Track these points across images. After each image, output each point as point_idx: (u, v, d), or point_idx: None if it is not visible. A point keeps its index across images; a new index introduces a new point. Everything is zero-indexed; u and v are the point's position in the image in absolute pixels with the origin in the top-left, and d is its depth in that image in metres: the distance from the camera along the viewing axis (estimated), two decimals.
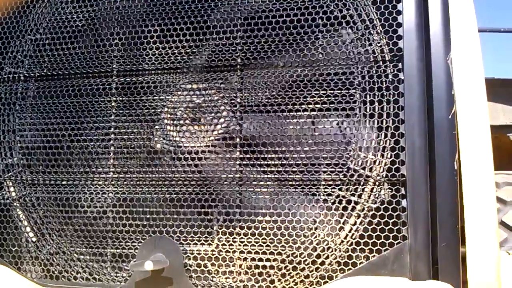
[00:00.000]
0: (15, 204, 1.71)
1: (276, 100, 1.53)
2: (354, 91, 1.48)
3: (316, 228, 1.48)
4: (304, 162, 1.49)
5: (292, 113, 1.51)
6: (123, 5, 1.66)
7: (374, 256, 1.42)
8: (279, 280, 1.50)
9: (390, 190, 1.44)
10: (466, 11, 1.46)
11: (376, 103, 1.46)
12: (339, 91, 1.48)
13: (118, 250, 1.61)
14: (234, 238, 1.53)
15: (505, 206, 2.78)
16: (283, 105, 1.52)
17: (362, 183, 1.47)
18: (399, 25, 1.45)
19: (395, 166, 1.43)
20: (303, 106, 1.51)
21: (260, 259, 1.51)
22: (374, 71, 1.47)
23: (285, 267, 1.49)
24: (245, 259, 1.53)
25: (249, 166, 1.54)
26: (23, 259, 1.70)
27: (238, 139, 1.55)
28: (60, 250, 1.66)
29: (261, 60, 1.55)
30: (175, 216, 1.56)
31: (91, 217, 1.63)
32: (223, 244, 1.54)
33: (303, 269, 1.48)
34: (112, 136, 1.64)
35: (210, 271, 1.54)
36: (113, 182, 1.64)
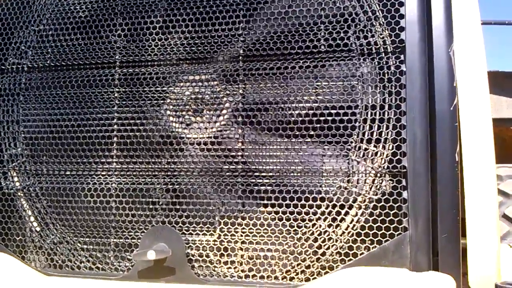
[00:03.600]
0: (19, 194, 1.73)
1: (279, 91, 1.53)
2: (356, 82, 1.48)
3: (317, 219, 1.48)
4: (306, 153, 1.50)
5: (294, 104, 1.52)
6: None
7: (375, 247, 1.43)
8: (280, 270, 1.51)
9: (391, 182, 1.45)
10: (469, 3, 1.45)
11: (378, 95, 1.46)
12: (341, 83, 1.49)
13: (121, 240, 1.62)
14: (236, 228, 1.54)
15: (508, 199, 2.77)
16: (285, 96, 1.52)
17: (363, 175, 1.47)
18: (402, 16, 1.45)
19: (397, 158, 1.43)
20: (305, 98, 1.51)
21: (262, 250, 1.52)
22: (376, 63, 1.47)
23: (287, 257, 1.50)
24: (247, 249, 1.54)
25: (251, 157, 1.55)
26: (27, 249, 1.71)
27: (240, 130, 1.56)
28: (63, 240, 1.68)
29: (263, 51, 1.55)
30: (178, 206, 1.57)
31: (94, 207, 1.64)
32: (225, 234, 1.55)
33: (304, 260, 1.49)
34: (115, 126, 1.65)
35: (212, 261, 1.56)
36: (116, 173, 1.65)
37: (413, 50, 1.44)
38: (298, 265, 1.50)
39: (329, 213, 1.48)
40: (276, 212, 1.50)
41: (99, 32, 1.68)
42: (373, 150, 1.46)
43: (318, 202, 1.48)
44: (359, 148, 1.47)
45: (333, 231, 1.48)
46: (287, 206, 1.49)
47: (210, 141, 1.58)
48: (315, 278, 1.48)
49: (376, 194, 1.45)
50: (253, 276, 1.52)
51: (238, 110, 1.56)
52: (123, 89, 1.66)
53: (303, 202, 1.48)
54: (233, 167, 1.55)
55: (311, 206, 1.48)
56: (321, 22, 1.51)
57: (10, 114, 1.75)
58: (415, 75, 1.44)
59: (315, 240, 1.49)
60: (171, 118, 1.61)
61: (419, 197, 1.40)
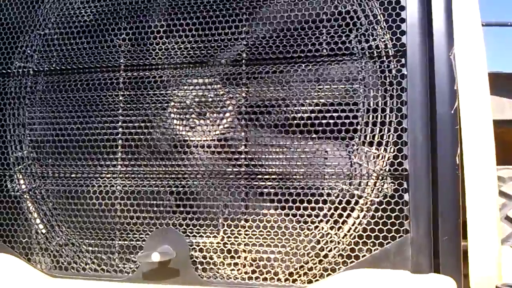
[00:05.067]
0: (25, 196, 1.75)
1: (281, 95, 1.54)
2: (357, 86, 1.49)
3: (320, 222, 1.50)
4: (308, 156, 1.51)
5: (296, 108, 1.53)
6: (130, 0, 1.68)
7: (376, 249, 1.44)
8: (283, 272, 1.52)
9: (392, 184, 1.46)
10: (470, 6, 1.46)
11: (379, 98, 1.47)
12: (343, 86, 1.50)
13: (126, 242, 1.64)
14: (239, 230, 1.55)
15: (511, 201, 2.78)
16: (288, 100, 1.53)
17: (365, 177, 1.48)
18: (403, 20, 1.46)
19: (398, 161, 1.44)
20: (308, 101, 1.52)
21: (265, 252, 1.54)
22: (378, 66, 1.48)
23: (289, 259, 1.52)
24: (250, 251, 1.55)
25: (254, 160, 1.56)
26: (33, 250, 1.73)
27: (243, 133, 1.57)
28: (69, 242, 1.70)
29: (266, 55, 1.57)
30: (182, 209, 1.59)
31: (99, 210, 1.66)
32: (228, 237, 1.56)
33: (307, 262, 1.51)
34: (120, 129, 1.67)
35: (216, 263, 1.57)
36: (121, 175, 1.66)
37: (414, 53, 1.45)
38: (300, 267, 1.51)
39: (331, 216, 1.49)
40: (279, 214, 1.51)
41: (104, 36, 1.70)
42: (375, 153, 1.48)
43: (321, 205, 1.49)
44: (361, 151, 1.48)
45: (336, 233, 1.49)
46: (290, 208, 1.50)
47: (214, 144, 1.59)
48: (317, 280, 1.49)
49: (378, 197, 1.47)
50: (256, 278, 1.54)
51: (241, 113, 1.58)
52: (128, 93, 1.67)
53: (305, 204, 1.50)
54: (237, 169, 1.57)
55: (313, 209, 1.49)
56: (323, 26, 1.52)
57: (16, 117, 1.77)
58: (416, 78, 1.45)
59: (318, 242, 1.50)
60: (175, 121, 1.63)
61: (421, 200, 1.41)
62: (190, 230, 1.58)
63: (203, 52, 1.62)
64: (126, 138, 1.65)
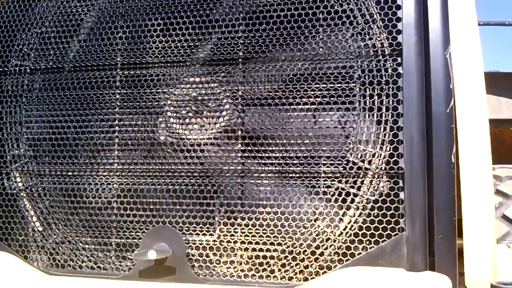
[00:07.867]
0: (22, 194, 1.75)
1: (277, 94, 1.55)
2: (354, 85, 1.49)
3: (316, 220, 1.50)
4: (305, 154, 1.51)
5: (293, 107, 1.53)
6: None
7: (372, 247, 1.44)
8: (279, 270, 1.53)
9: (388, 183, 1.46)
10: (466, 6, 1.47)
11: (376, 97, 1.48)
12: (339, 85, 1.50)
13: (122, 240, 1.64)
14: (236, 228, 1.56)
15: (508, 200, 2.77)
16: (284, 99, 1.54)
17: (361, 176, 1.49)
18: (399, 19, 1.46)
19: (394, 159, 1.44)
20: (304, 100, 1.52)
21: (261, 250, 1.54)
22: (374, 65, 1.48)
23: (285, 257, 1.52)
24: (246, 249, 1.55)
25: (250, 158, 1.57)
26: (30, 248, 1.73)
27: (240, 132, 1.58)
28: (65, 240, 1.70)
29: (262, 54, 1.57)
30: (178, 207, 1.59)
31: (96, 208, 1.66)
32: (225, 235, 1.56)
33: (302, 260, 1.51)
34: (117, 128, 1.67)
35: (212, 261, 1.57)
36: (117, 173, 1.67)
37: (410, 52, 1.46)
38: (296, 265, 1.52)
39: (327, 214, 1.49)
40: (275, 213, 1.52)
41: (100, 34, 1.70)
42: (371, 152, 1.48)
43: (317, 203, 1.50)
44: (357, 149, 1.49)
45: (332, 232, 1.49)
46: (286, 206, 1.51)
47: (210, 142, 1.59)
48: (313, 278, 1.50)
49: (374, 195, 1.47)
50: (252, 275, 1.54)
51: (238, 111, 1.58)
52: (124, 91, 1.67)
53: (302, 202, 1.50)
54: (233, 168, 1.57)
55: (309, 207, 1.49)
56: (320, 25, 1.52)
57: (13, 116, 1.77)
58: (412, 77, 1.45)
59: (314, 240, 1.50)
60: (171, 120, 1.63)
61: (416, 198, 1.42)
62: (186, 228, 1.59)
63: (200, 50, 1.62)
64: (123, 136, 1.65)
